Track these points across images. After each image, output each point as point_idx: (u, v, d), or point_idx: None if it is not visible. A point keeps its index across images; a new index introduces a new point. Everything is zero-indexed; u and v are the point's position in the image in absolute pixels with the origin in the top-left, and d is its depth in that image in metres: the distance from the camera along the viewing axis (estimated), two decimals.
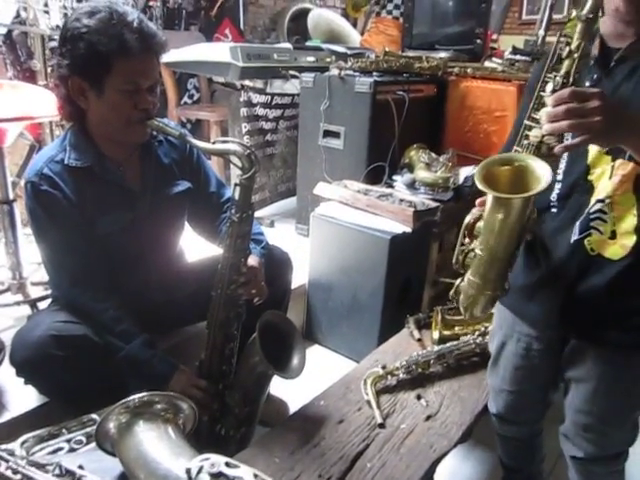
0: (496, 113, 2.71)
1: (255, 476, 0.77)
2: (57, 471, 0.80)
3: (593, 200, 1.04)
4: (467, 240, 1.08)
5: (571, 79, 0.93)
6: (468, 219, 1.08)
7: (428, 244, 2.14)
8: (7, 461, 0.79)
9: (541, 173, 0.92)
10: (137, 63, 1.27)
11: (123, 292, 1.42)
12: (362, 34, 4.24)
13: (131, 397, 0.91)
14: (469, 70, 2.77)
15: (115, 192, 1.41)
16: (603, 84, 1.01)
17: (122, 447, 0.87)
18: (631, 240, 1.00)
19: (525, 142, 0.98)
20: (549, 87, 0.95)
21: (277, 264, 1.60)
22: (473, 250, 1.06)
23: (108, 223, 1.40)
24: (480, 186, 0.94)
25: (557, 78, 0.94)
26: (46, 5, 2.62)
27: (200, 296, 1.41)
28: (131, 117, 1.31)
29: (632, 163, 0.97)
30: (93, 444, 1.00)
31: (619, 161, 0.99)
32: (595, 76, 1.02)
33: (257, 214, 2.95)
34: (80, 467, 0.81)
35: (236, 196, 1.29)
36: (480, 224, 1.04)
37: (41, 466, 0.80)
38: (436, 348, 1.66)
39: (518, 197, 0.93)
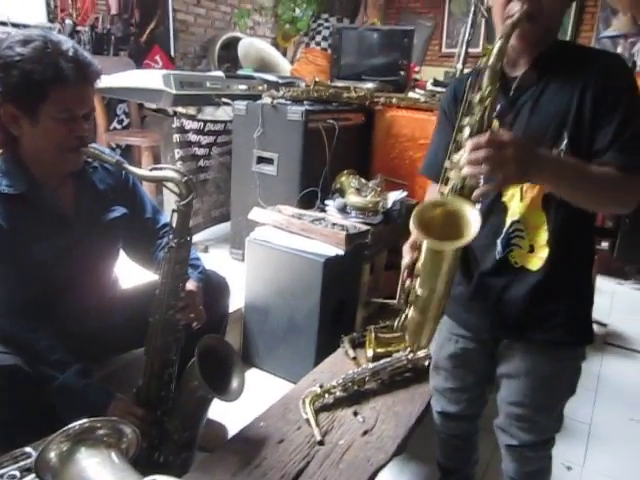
0: (420, 141, 2.87)
1: None
2: None
3: (509, 221, 1.17)
4: (407, 280, 1.19)
5: (485, 124, 1.03)
6: (407, 261, 1.19)
7: (360, 266, 2.23)
8: None
9: (471, 218, 0.98)
10: (73, 91, 1.27)
11: (57, 320, 1.40)
12: (292, 63, 4.37)
13: (72, 424, 0.91)
14: (394, 100, 2.93)
15: (49, 219, 1.39)
16: (507, 112, 1.14)
17: (64, 476, 0.86)
18: (545, 252, 1.14)
19: (450, 184, 1.06)
20: (466, 131, 1.03)
21: (215, 288, 1.62)
22: (414, 289, 1.13)
23: (42, 250, 1.38)
24: (416, 233, 1.00)
25: (472, 123, 1.02)
26: None
27: (136, 323, 1.41)
28: (66, 145, 1.31)
29: (538, 185, 1.10)
30: (28, 477, 0.98)
31: (527, 184, 1.12)
32: (499, 106, 1.13)
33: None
34: None
35: (174, 222, 1.31)
36: (419, 264, 1.12)
37: None
38: (370, 365, 1.73)
39: (450, 247, 1.00)
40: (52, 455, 0.88)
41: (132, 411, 1.36)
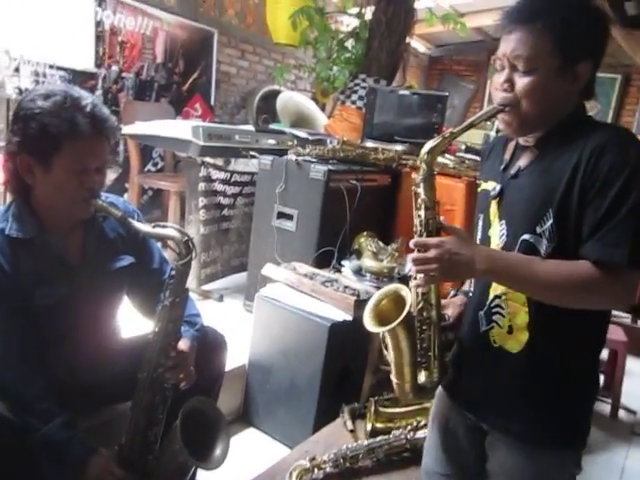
0: (446, 206, 2.83)
1: None
2: None
3: (492, 294, 1.11)
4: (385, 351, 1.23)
5: (425, 225, 1.09)
6: (381, 335, 1.23)
7: (369, 332, 2.17)
8: None
9: (405, 295, 1.17)
10: (86, 145, 1.31)
11: (51, 367, 1.39)
12: (329, 118, 4.44)
13: None
14: None
15: (54, 265, 1.41)
16: (504, 189, 1.12)
17: None
18: (525, 336, 1.07)
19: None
20: (416, 227, 1.12)
21: (210, 347, 1.59)
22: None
23: (44, 295, 1.39)
24: (369, 327, 1.19)
25: (417, 224, 1.10)
26: (17, 70, 2.69)
27: (129, 375, 1.39)
28: (76, 195, 1.33)
29: None
30: None
31: None
32: (499, 187, 1.13)
33: (207, 287, 2.97)
34: None
35: (170, 280, 1.31)
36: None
37: None
38: (366, 442, 1.66)
39: (385, 329, 1.17)
40: None
41: (112, 470, 1.32)
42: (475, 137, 3.84)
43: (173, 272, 1.31)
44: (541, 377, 1.08)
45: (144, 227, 1.34)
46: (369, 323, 1.21)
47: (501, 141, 1.22)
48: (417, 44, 7.59)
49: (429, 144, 1.10)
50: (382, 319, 1.21)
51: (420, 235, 1.09)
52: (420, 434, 1.71)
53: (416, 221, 1.11)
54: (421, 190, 1.10)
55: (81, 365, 1.49)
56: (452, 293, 1.34)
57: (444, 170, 2.92)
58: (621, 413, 2.96)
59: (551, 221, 1.01)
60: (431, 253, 1.00)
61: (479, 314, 1.14)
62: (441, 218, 1.10)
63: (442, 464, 1.30)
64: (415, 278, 1.11)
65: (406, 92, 3.58)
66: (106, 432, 1.56)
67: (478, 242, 1.17)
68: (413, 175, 1.14)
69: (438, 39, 7.53)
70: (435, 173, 1.11)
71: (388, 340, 1.19)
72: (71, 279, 1.44)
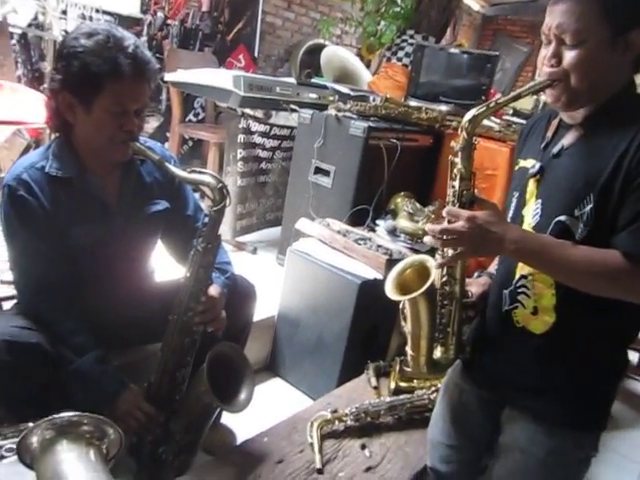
0: (487, 171, 2.75)
1: None
2: None
3: (518, 273, 1.09)
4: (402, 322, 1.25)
5: (459, 196, 1.06)
6: (401, 305, 1.23)
7: None
8: None
9: (430, 266, 1.16)
10: (127, 87, 1.31)
11: (86, 304, 1.43)
12: (374, 75, 4.34)
13: (60, 414, 0.92)
14: None
15: (92, 205, 1.44)
16: (546, 166, 1.07)
17: (41, 463, 0.87)
18: (552, 317, 1.05)
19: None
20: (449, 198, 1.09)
21: (240, 295, 1.61)
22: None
23: (81, 234, 1.42)
24: (390, 295, 1.19)
25: (450, 194, 1.08)
26: (64, 12, 2.70)
27: (162, 316, 1.42)
28: (115, 137, 1.34)
29: None
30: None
31: None
32: (539, 165, 1.08)
33: (242, 239, 3.00)
34: None
35: (204, 226, 1.32)
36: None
37: None
38: (388, 399, 1.67)
39: (406, 298, 1.18)
40: (34, 440, 0.90)
41: (141, 406, 1.37)
42: (524, 102, 3.70)
43: (207, 219, 1.32)
44: (563, 359, 1.06)
45: (180, 172, 1.34)
46: (390, 291, 1.20)
47: (544, 118, 1.17)
48: (471, 1, 7.28)
49: (472, 112, 1.06)
50: (404, 288, 1.20)
51: (453, 206, 1.06)
52: None
53: (449, 191, 1.08)
54: (458, 160, 1.07)
55: (115, 304, 1.53)
56: (477, 274, 1.31)
57: (489, 133, 2.82)
58: None
59: (591, 205, 0.98)
60: (463, 226, 0.98)
61: (503, 293, 1.12)
62: (476, 191, 1.08)
63: (449, 435, 1.31)
64: (442, 252, 1.09)
65: (455, 51, 3.46)
66: (136, 371, 1.61)
67: (509, 220, 1.13)
68: (452, 143, 1.10)
69: None
70: (475, 143, 1.07)
71: (407, 311, 1.19)
72: (107, 220, 1.46)
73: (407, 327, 1.21)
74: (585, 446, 1.11)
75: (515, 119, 3.08)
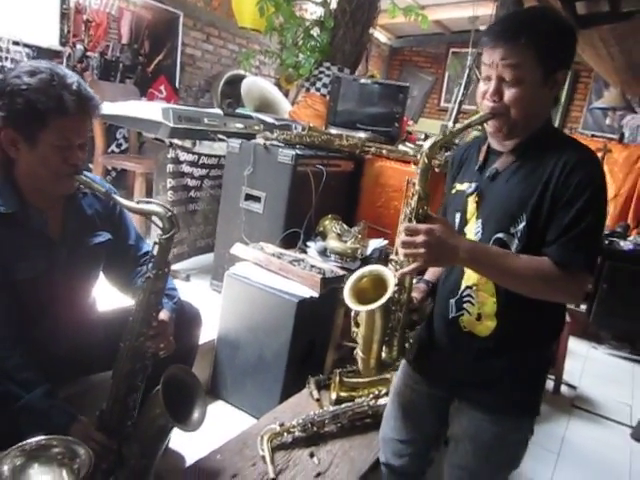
0: (394, 190, 2.96)
1: None
2: None
3: (463, 284, 1.25)
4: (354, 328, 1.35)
5: (415, 213, 1.19)
6: (353, 313, 1.33)
7: (334, 309, 2.29)
8: None
9: (389, 279, 1.25)
10: (72, 122, 1.35)
11: (32, 338, 1.43)
12: (293, 105, 4.51)
13: (29, 440, 0.95)
14: (384, 151, 3.04)
15: (34, 240, 1.44)
16: (482, 189, 1.24)
17: None
18: (493, 322, 1.21)
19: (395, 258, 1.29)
20: (404, 216, 1.23)
21: (187, 320, 1.67)
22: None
23: (24, 269, 1.42)
24: (348, 302, 1.27)
25: (407, 211, 1.20)
26: None
27: (108, 346, 1.45)
28: (60, 171, 1.37)
29: None
30: None
31: None
32: (475, 185, 1.25)
33: (174, 267, 3.01)
34: None
35: (154, 253, 1.38)
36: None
37: None
38: (331, 409, 1.78)
39: (369, 308, 1.24)
40: (5, 469, 0.92)
41: (92, 435, 1.38)
42: (433, 127, 4.01)
43: (156, 246, 1.37)
44: (504, 356, 1.22)
45: (128, 203, 1.39)
46: (349, 300, 1.28)
47: (474, 146, 1.33)
48: (379, 34, 7.71)
49: (431, 140, 1.20)
50: (360, 297, 1.30)
51: (409, 222, 1.19)
52: (381, 402, 1.84)
53: (406, 209, 1.21)
54: (417, 181, 1.20)
55: (60, 336, 1.53)
56: (415, 281, 1.46)
57: (405, 157, 3.04)
58: (563, 388, 3.20)
59: (524, 223, 1.15)
60: (420, 238, 1.09)
61: (450, 302, 1.28)
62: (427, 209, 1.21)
63: (400, 431, 1.44)
64: (398, 263, 1.23)
65: (368, 81, 3.68)
66: (85, 401, 1.61)
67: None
68: (412, 166, 1.25)
69: (400, 30, 7.66)
70: (433, 166, 1.21)
71: (362, 318, 1.29)
72: (50, 253, 1.47)
73: (360, 332, 1.31)
74: (523, 429, 1.27)
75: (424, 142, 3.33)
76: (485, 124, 1.21)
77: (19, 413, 1.33)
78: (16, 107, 1.31)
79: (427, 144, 1.19)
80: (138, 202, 1.40)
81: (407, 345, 1.33)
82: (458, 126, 1.27)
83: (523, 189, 1.16)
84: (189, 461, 1.79)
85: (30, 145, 1.34)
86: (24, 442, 0.95)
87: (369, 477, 1.63)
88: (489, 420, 1.25)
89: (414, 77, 8.15)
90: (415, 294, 1.37)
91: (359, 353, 1.34)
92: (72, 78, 1.36)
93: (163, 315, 1.47)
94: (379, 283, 1.27)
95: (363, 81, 3.65)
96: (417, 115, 8.09)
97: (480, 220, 1.23)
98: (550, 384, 3.14)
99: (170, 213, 1.36)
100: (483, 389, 1.25)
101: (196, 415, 1.46)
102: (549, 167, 1.14)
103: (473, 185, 1.25)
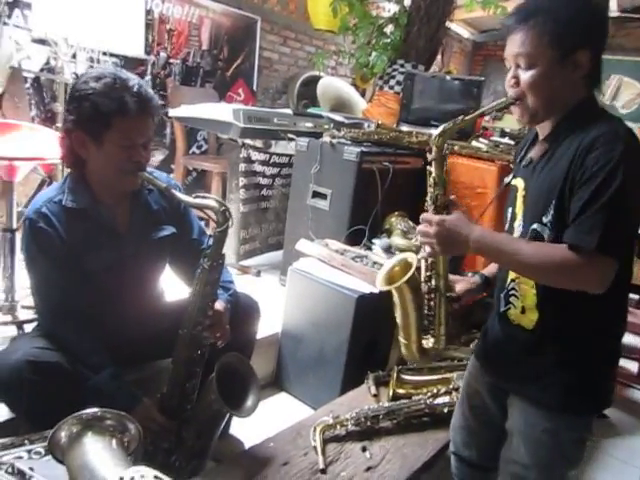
0: (478, 190, 2.89)
1: None
2: (10, 470, 0.91)
3: (509, 278, 1.23)
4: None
5: (437, 202, 1.24)
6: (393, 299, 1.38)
7: None
8: None
9: (411, 260, 1.33)
10: (134, 122, 1.45)
11: (101, 325, 1.55)
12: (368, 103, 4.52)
13: (85, 411, 1.03)
14: (456, 148, 2.97)
15: (104, 233, 1.56)
16: (528, 177, 1.22)
17: (70, 455, 0.98)
18: (535, 315, 1.18)
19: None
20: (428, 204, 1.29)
21: (244, 311, 1.73)
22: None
23: (94, 261, 1.54)
24: (378, 286, 1.38)
25: (427, 201, 1.26)
26: (74, 56, 2.89)
27: (171, 334, 1.53)
28: (124, 168, 1.48)
29: None
30: (50, 457, 1.12)
31: None
32: (522, 168, 1.24)
33: (245, 263, 3.12)
34: (31, 469, 0.93)
35: (209, 246, 1.45)
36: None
37: None
38: (387, 404, 1.77)
39: (391, 287, 1.34)
40: (63, 435, 1.01)
41: (154, 417, 1.47)
42: (512, 123, 3.85)
43: (211, 239, 1.44)
44: (553, 351, 1.18)
45: (185, 197, 1.48)
46: (380, 284, 1.35)
47: (530, 137, 1.31)
48: (461, 29, 7.52)
49: (440, 128, 1.24)
50: (393, 283, 1.34)
51: (430, 208, 1.23)
52: (439, 400, 1.81)
53: (427, 197, 1.26)
54: (432, 169, 1.24)
55: (127, 323, 1.64)
56: (470, 274, 1.46)
57: (477, 154, 2.97)
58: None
59: (552, 212, 1.11)
60: (433, 229, 1.13)
61: (500, 296, 1.27)
62: (451, 197, 1.25)
63: (468, 421, 1.44)
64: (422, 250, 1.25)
65: (443, 77, 3.61)
66: (149, 385, 1.72)
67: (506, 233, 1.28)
68: (427, 155, 1.27)
69: (482, 24, 7.43)
70: (446, 153, 1.25)
71: (396, 301, 1.33)
72: (118, 246, 1.59)
73: (397, 316, 1.36)
74: (577, 428, 1.22)
75: (504, 140, 3.23)
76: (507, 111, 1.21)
77: (87, 394, 1.43)
78: (84, 110, 1.42)
79: (436, 132, 1.23)
80: (195, 197, 1.47)
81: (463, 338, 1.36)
82: (471, 115, 1.26)
83: (551, 177, 1.13)
84: (248, 446, 1.85)
85: (97, 145, 1.46)
86: (81, 412, 1.03)
87: (422, 477, 1.61)
88: (540, 415, 1.21)
89: (498, 72, 7.84)
90: (460, 285, 1.37)
91: (401, 339, 1.36)
92: (133, 81, 1.46)
93: (218, 305, 1.53)
94: (408, 269, 1.33)
95: (436, 76, 3.59)
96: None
97: (522, 213, 1.21)
98: (636, 394, 2.93)
99: (224, 207, 1.42)
100: (534, 383, 1.21)
101: (249, 402, 1.52)
102: (572, 151, 1.09)
103: (518, 178, 1.24)
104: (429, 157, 1.26)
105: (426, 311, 1.34)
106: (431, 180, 1.25)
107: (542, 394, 1.20)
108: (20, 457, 1.15)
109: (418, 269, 1.34)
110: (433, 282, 1.31)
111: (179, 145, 3.57)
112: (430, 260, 1.32)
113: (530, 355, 1.21)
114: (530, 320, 1.19)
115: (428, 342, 1.33)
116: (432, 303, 1.32)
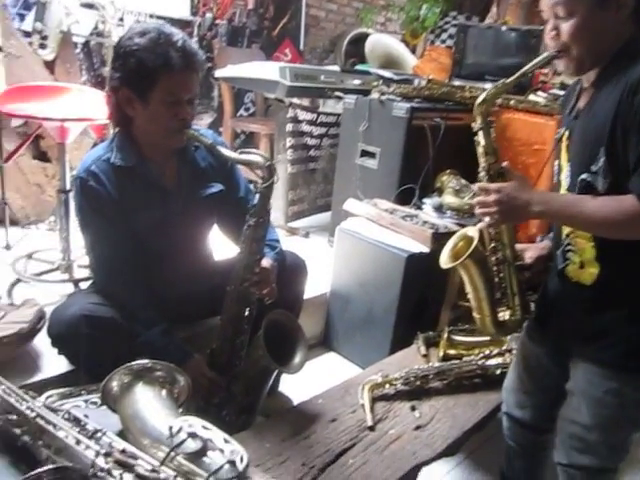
0: (535, 146, 2.75)
1: (225, 441, 0.89)
2: (66, 416, 0.94)
3: (564, 233, 1.18)
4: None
5: (490, 171, 1.21)
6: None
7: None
8: (27, 401, 0.94)
9: (472, 234, 1.31)
10: (179, 77, 1.43)
11: (152, 283, 1.58)
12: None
13: (135, 362, 1.05)
14: (512, 102, 2.83)
15: (152, 191, 1.57)
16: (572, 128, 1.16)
17: (121, 404, 1.01)
18: (596, 268, 1.13)
19: None
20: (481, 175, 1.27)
21: (291, 269, 1.72)
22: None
23: (144, 219, 1.56)
24: (443, 265, 1.36)
25: (480, 171, 1.25)
26: (121, 19, 2.89)
27: (221, 291, 1.54)
28: (170, 125, 1.47)
29: None
30: (105, 407, 1.15)
31: None
32: (569, 121, 1.19)
33: (294, 224, 3.12)
34: (85, 416, 0.95)
35: (255, 202, 1.43)
36: None
37: (53, 410, 0.95)
38: (437, 364, 1.74)
39: (455, 264, 1.32)
40: (115, 384, 1.03)
41: (204, 373, 1.50)
42: None
43: (257, 195, 1.43)
44: (615, 306, 1.13)
45: (231, 153, 1.46)
46: (445, 263, 1.34)
47: (574, 86, 1.24)
48: None
49: (482, 95, 1.22)
50: (458, 259, 1.32)
51: (484, 179, 1.21)
52: (491, 362, 1.76)
53: (480, 168, 1.23)
54: (480, 138, 1.21)
55: (177, 281, 1.66)
56: (539, 239, 1.40)
57: (535, 108, 2.82)
58: None
59: (603, 159, 1.05)
60: (491, 197, 1.11)
61: (557, 253, 1.23)
62: (504, 164, 1.21)
63: (522, 382, 1.42)
64: (481, 220, 1.21)
65: (498, 28, 3.43)
66: (199, 342, 1.75)
67: (552, 188, 1.24)
68: (472, 124, 1.24)
69: None
70: (492, 121, 1.23)
71: (465, 277, 1.31)
72: (167, 203, 1.60)
73: (469, 292, 1.35)
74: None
75: (562, 93, 3.04)
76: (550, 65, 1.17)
77: (139, 349, 1.47)
78: (129, 67, 1.41)
79: (478, 100, 1.21)
80: (240, 152, 1.45)
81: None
82: (512, 77, 1.20)
83: (598, 122, 1.06)
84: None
85: (143, 102, 1.45)
86: (132, 363, 1.05)
87: (471, 437, 1.58)
88: (603, 375, 1.16)
89: None
90: (529, 253, 1.34)
91: (475, 315, 1.36)
92: (177, 35, 1.44)
93: (265, 262, 1.53)
94: (472, 244, 1.30)
95: (492, 27, 3.41)
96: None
97: (569, 163, 1.15)
98: None
99: (269, 162, 1.40)
100: (596, 342, 1.16)
101: (297, 359, 1.52)
102: (618, 91, 1.01)
103: (561, 130, 1.18)
104: (474, 127, 1.23)
105: (497, 283, 1.31)
106: (481, 149, 1.23)
107: (605, 353, 1.15)
108: (78, 406, 1.19)
109: (482, 241, 1.31)
110: (500, 253, 1.29)
111: (227, 108, 3.55)
112: (493, 231, 1.29)
113: (591, 313, 1.16)
114: (590, 274, 1.14)
115: (505, 315, 1.31)
116: (502, 275, 1.30)
